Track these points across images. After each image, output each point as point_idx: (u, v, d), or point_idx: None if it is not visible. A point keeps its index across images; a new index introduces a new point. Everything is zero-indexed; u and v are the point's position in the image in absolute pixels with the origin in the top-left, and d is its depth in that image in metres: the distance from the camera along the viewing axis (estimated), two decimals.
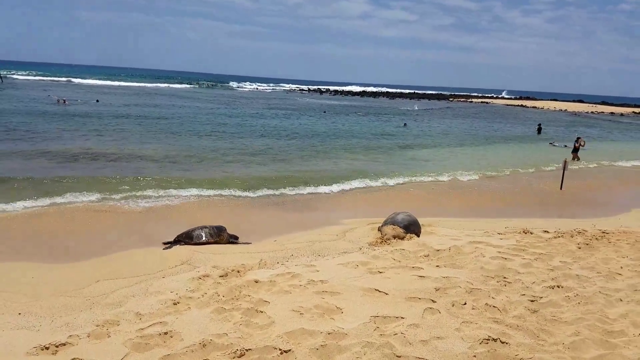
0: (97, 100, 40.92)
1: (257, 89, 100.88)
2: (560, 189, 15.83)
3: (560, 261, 7.34)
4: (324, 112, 45.56)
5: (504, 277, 6.57)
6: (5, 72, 69.93)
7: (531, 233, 9.31)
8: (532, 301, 5.73)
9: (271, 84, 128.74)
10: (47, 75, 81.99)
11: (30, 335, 5.23)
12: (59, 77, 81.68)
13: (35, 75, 76.76)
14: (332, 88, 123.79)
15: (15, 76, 75.17)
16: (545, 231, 9.51)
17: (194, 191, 12.69)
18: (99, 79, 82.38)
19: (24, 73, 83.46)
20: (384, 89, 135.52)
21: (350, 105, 62.36)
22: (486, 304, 5.63)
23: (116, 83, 77.55)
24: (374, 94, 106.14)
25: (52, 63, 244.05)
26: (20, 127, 22.46)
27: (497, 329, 5.01)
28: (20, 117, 26.04)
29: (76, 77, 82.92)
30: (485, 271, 6.83)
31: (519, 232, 9.40)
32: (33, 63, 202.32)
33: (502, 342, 4.71)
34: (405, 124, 35.66)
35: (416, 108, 62.19)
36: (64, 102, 36.65)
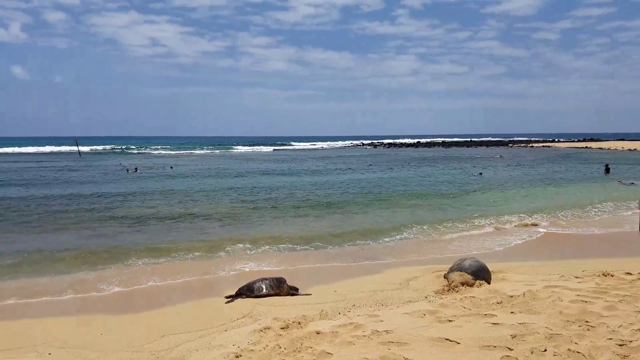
0: (171, 167, 41.52)
1: (322, 147, 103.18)
2: (639, 230, 14.70)
3: None
4: (376, 163, 45.16)
5: (586, 321, 6.01)
6: (80, 147, 75.20)
7: (612, 275, 8.59)
8: (620, 345, 5.16)
9: (330, 142, 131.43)
10: (117, 148, 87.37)
11: None
12: (129, 148, 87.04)
13: (109, 151, 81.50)
14: (385, 141, 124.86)
15: (89, 150, 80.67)
16: (628, 273, 8.74)
17: (253, 246, 12.79)
18: (167, 149, 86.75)
19: (97, 147, 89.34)
20: (439, 139, 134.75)
21: (408, 156, 62.18)
22: (569, 349, 5.12)
23: (186, 151, 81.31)
24: (429, 144, 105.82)
25: (121, 136, 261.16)
26: (92, 197, 23.80)
27: None
28: (93, 186, 27.68)
29: (145, 148, 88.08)
30: (564, 316, 6.28)
31: (598, 275, 8.69)
32: (103, 137, 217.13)
33: None
34: (480, 172, 34.79)
35: (494, 155, 61.45)
36: (136, 170, 38.10)
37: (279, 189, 25.96)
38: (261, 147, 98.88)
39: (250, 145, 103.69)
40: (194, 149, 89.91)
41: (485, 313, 6.52)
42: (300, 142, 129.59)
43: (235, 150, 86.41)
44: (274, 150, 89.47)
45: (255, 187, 26.82)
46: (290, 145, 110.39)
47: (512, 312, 6.50)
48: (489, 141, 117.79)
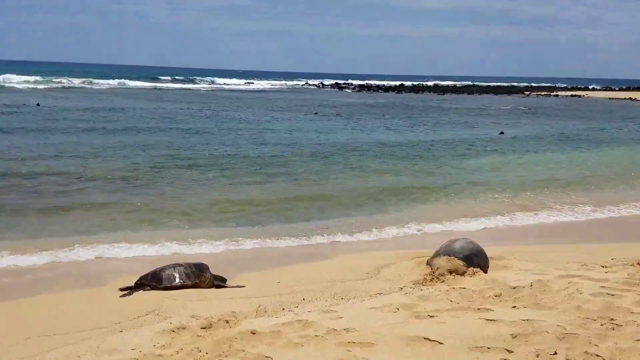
0: (38, 104, 41.93)
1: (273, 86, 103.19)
2: None
3: None
4: (337, 114, 46.29)
5: (611, 319, 6.53)
6: None
7: None
8: None
9: (274, 80, 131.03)
10: None
11: None
12: None
13: None
14: (355, 82, 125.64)
15: None
16: None
17: (164, 220, 12.92)
18: (41, 77, 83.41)
19: None
20: (429, 82, 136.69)
21: (390, 103, 62.67)
22: (586, 352, 5.60)
23: (64, 81, 78.94)
24: (416, 89, 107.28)
25: None
26: None
27: None
28: None
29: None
30: (583, 312, 6.80)
31: (632, 264, 9.33)
32: None
33: None
34: (502, 132, 36.22)
35: (510, 107, 63.67)
36: None
37: (198, 144, 25.94)
38: (185, 83, 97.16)
39: (153, 80, 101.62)
40: (77, 77, 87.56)
41: (479, 307, 6.96)
42: (231, 77, 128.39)
43: (135, 85, 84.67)
44: (214, 89, 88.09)
45: (167, 140, 26.68)
46: (212, 82, 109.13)
47: (514, 307, 6.96)
48: (499, 87, 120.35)
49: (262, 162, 21.41)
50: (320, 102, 63.02)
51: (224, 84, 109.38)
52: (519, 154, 26.79)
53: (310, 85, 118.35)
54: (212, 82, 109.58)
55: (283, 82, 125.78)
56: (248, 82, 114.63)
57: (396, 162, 22.83)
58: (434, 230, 13.26)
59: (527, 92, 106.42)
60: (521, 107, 64.73)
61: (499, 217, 14.53)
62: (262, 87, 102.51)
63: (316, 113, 46.87)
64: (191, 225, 12.99)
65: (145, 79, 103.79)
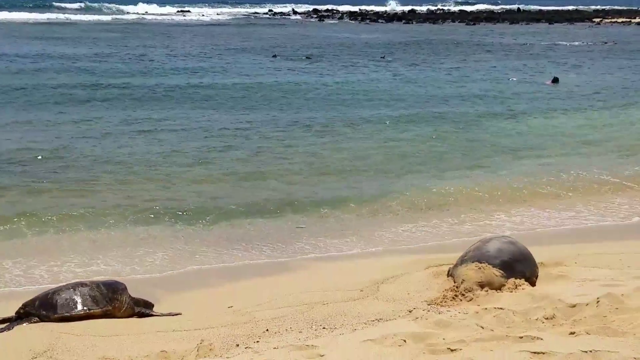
0: None
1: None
2: None
3: None
4: (307, 57, 46.53)
5: None
6: None
7: None
8: None
9: (230, 5, 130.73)
10: None
11: None
12: None
13: None
14: (343, 8, 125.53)
15: None
16: None
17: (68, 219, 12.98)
18: None
19: None
20: (454, 7, 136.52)
21: (394, 39, 62.40)
22: None
23: None
24: (433, 15, 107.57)
25: None
26: None
27: None
28: None
29: None
30: None
31: None
32: None
33: None
34: (555, 78, 36.68)
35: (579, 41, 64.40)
36: None
37: (109, 105, 25.82)
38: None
39: (41, 9, 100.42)
40: None
41: (522, 335, 6.98)
42: (155, 3, 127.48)
43: (7, 18, 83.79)
44: (129, 21, 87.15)
45: (60, 98, 26.47)
46: (124, 12, 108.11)
47: (572, 333, 7.01)
48: (556, 12, 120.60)
49: (208, 131, 21.39)
50: (290, 39, 62.71)
51: (146, 12, 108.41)
52: (574, 111, 27.08)
53: (275, 14, 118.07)
54: (125, 12, 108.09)
55: (236, 9, 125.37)
56: (181, 11, 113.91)
57: (407, 129, 22.90)
58: (462, 227, 13.49)
59: (597, 20, 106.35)
60: (615, 42, 64.15)
61: (564, 204, 14.86)
62: (203, 19, 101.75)
63: (275, 55, 47.10)
64: (103, 227, 13.03)
65: (26, 7, 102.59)
